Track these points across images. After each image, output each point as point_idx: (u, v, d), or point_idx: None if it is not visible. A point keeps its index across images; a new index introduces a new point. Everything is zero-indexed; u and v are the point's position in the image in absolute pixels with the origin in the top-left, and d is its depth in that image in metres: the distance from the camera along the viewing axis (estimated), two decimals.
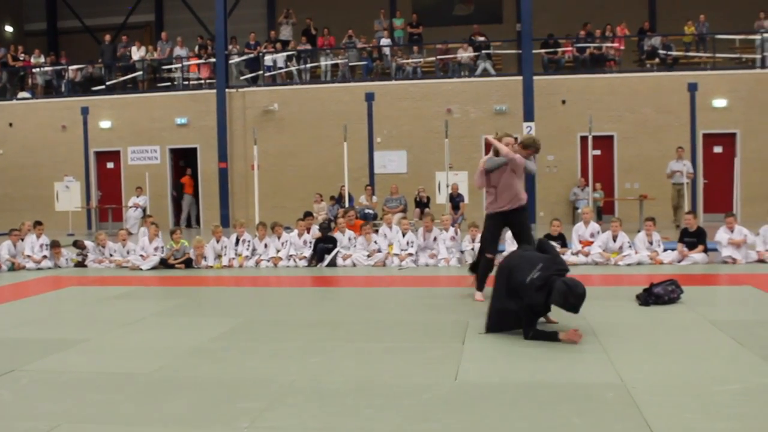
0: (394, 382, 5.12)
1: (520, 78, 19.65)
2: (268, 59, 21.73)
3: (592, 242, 11.90)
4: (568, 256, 11.66)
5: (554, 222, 12.40)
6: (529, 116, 19.30)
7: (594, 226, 12.22)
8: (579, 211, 17.12)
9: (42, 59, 23.79)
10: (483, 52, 20.75)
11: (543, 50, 20.81)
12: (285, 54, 21.79)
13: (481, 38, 21.15)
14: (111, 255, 13.18)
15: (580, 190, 18.62)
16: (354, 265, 12.18)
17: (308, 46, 21.84)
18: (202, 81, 22.04)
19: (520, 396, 4.76)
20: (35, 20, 27.77)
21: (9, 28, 26.72)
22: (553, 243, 11.84)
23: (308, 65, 21.90)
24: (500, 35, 22.15)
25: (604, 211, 18.25)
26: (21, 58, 23.75)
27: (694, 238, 11.59)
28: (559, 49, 20.82)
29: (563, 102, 19.51)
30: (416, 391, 4.87)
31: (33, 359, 6.13)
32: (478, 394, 4.83)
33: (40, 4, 27.54)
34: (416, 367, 5.60)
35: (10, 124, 22.49)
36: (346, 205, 15.59)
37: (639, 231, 12.19)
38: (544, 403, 4.61)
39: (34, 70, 23.53)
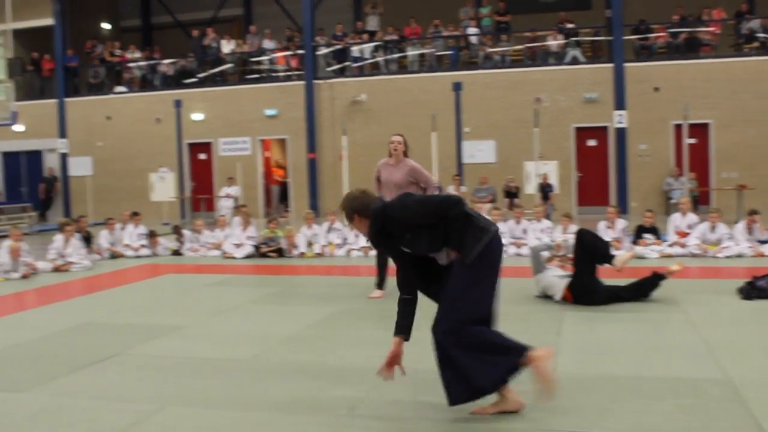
0: None
1: (610, 65, 19.24)
2: (355, 50, 21.84)
3: (689, 233, 11.57)
4: (663, 248, 11.40)
5: (647, 213, 12.13)
6: (620, 104, 18.89)
7: (691, 216, 11.88)
8: (673, 201, 16.71)
9: (137, 54, 24.49)
10: (572, 39, 20.38)
11: (634, 36, 20.31)
12: (372, 44, 21.86)
13: (570, 25, 20.78)
14: (206, 243, 13.54)
15: (674, 180, 18.12)
16: None
17: (395, 37, 21.85)
18: (291, 73, 22.31)
19: (620, 390, 4.67)
20: (130, 17, 28.58)
21: (106, 26, 27.57)
22: (647, 235, 11.64)
23: (395, 55, 21.93)
24: (589, 22, 21.69)
25: (699, 202, 17.71)
26: (117, 54, 24.51)
27: None
28: (651, 35, 20.28)
29: (656, 89, 18.99)
30: (512, 383, 4.82)
31: (135, 344, 6.33)
32: (575, 386, 4.75)
33: (135, 2, 28.33)
34: None
35: (108, 118, 23.27)
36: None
37: (737, 222, 11.80)
38: (644, 397, 4.51)
39: (129, 65, 24.26)
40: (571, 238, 8.35)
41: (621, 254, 7.86)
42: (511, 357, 4.17)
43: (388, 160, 8.21)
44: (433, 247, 4.31)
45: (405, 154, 8.17)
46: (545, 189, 16.81)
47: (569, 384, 4.79)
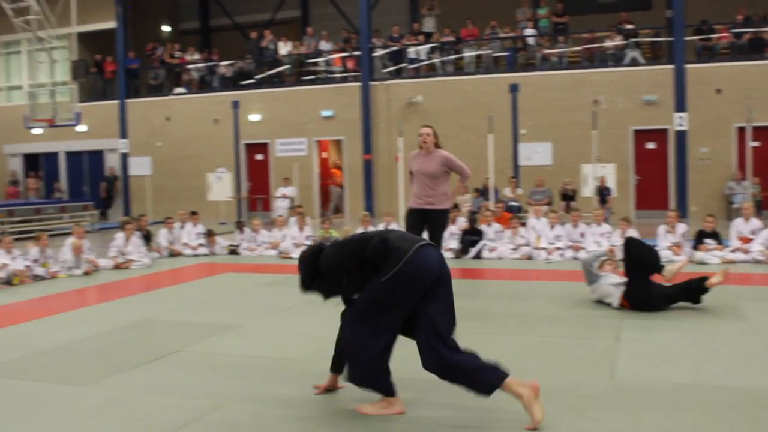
0: (548, 378, 5.02)
1: (671, 67, 18.88)
2: (411, 51, 21.85)
3: (752, 239, 11.29)
4: (725, 253, 11.15)
5: (708, 218, 11.88)
6: (680, 106, 18.54)
7: (755, 222, 11.57)
8: (735, 205, 16.34)
9: (196, 56, 24.86)
10: (631, 40, 20.08)
11: (696, 37, 19.91)
12: (428, 46, 21.84)
13: (630, 26, 20.47)
14: (263, 242, 13.69)
15: (736, 184, 17.72)
16: (500, 258, 12.08)
17: (451, 38, 21.80)
18: (347, 74, 22.41)
19: (682, 398, 4.58)
20: (189, 19, 29.01)
21: (166, 28, 28.04)
22: (708, 240, 11.40)
23: (451, 57, 21.87)
24: (649, 22, 21.35)
25: (762, 206, 17.28)
26: (177, 56, 24.91)
27: None
28: (714, 35, 19.87)
29: (718, 91, 18.58)
30: (570, 387, 4.78)
31: (193, 341, 6.43)
32: (636, 393, 4.68)
33: (194, 4, 28.76)
34: (569, 362, 5.50)
35: (168, 119, 23.67)
36: (491, 197, 15.48)
37: None
38: (707, 407, 4.42)
39: (188, 67, 24.64)
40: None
41: (672, 264, 7.66)
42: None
43: (419, 151, 8.24)
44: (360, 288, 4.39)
45: (436, 145, 8.21)
46: (602, 192, 16.59)
47: (629, 392, 4.72)
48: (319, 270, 4.43)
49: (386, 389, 4.41)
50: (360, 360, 4.31)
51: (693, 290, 7.31)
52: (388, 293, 4.22)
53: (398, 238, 4.33)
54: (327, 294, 4.58)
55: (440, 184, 8.11)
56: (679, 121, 18.48)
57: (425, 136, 8.16)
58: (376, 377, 4.36)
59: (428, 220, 8.12)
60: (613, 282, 7.58)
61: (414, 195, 8.19)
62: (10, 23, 21.35)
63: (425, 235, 8.18)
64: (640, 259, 7.30)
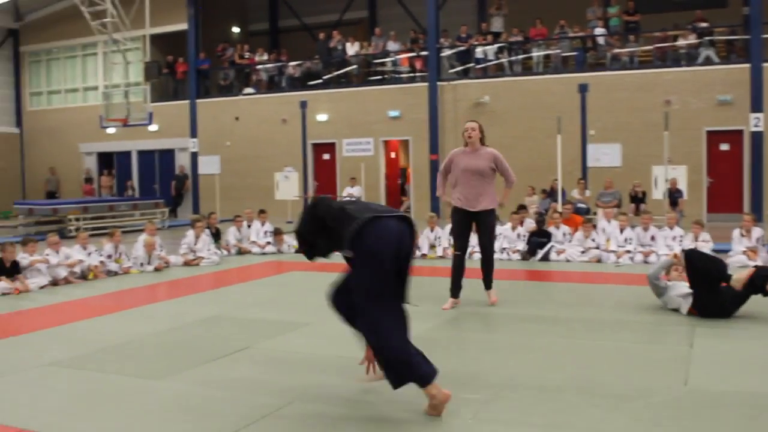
0: (619, 383, 4.95)
1: (747, 66, 18.36)
2: (479, 51, 21.73)
3: None
4: None
5: None
6: (757, 107, 18.02)
7: None
8: None
9: (265, 57, 25.17)
10: (706, 38, 19.60)
11: None
12: (496, 46, 21.70)
13: (704, 24, 19.99)
14: None
15: None
16: (567, 260, 11.92)
17: (520, 38, 21.61)
18: (414, 74, 22.41)
19: (760, 408, 4.44)
20: (259, 21, 29.36)
21: (235, 29, 28.46)
22: None
23: (519, 56, 21.68)
24: (724, 20, 20.81)
25: None
26: (246, 56, 25.26)
27: None
28: None
29: None
30: (644, 394, 4.68)
31: (263, 339, 6.51)
32: (711, 402, 4.57)
33: (263, 6, 29.10)
34: (642, 368, 5.39)
35: (237, 118, 24.03)
36: (559, 199, 15.29)
37: None
38: None
39: (257, 67, 24.96)
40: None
41: (738, 273, 7.39)
42: None
43: (464, 149, 7.91)
44: (333, 249, 4.49)
45: (482, 142, 7.92)
46: (674, 194, 16.22)
47: (704, 399, 4.61)
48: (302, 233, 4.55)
49: (422, 375, 4.30)
50: (392, 345, 4.27)
51: (759, 282, 7.07)
52: (362, 277, 4.28)
53: (359, 208, 4.36)
54: (308, 255, 4.65)
55: (488, 183, 7.78)
56: (755, 122, 17.96)
57: (470, 130, 7.85)
58: (411, 361, 4.29)
59: (476, 220, 7.84)
60: (681, 293, 7.35)
61: (458, 194, 7.80)
62: (87, 26, 21.93)
63: (473, 237, 7.97)
64: (704, 271, 7.10)
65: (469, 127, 7.90)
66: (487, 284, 8.11)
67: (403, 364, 4.26)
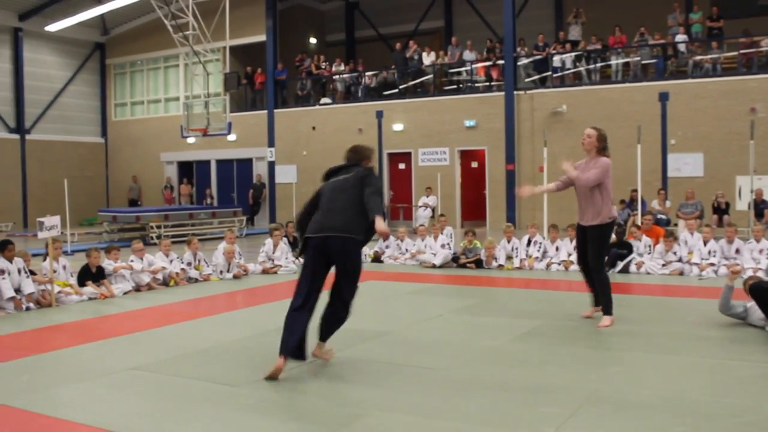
0: (706, 401, 4.81)
1: None
2: (556, 60, 21.50)
3: None
4: None
5: None
6: None
7: None
8: None
9: (341, 67, 25.40)
10: None
11: None
12: (574, 54, 21.43)
13: None
14: (407, 251, 13.78)
15: None
16: (648, 272, 11.66)
17: (598, 46, 21.29)
18: (490, 84, 22.30)
19: None
20: (335, 31, 29.67)
21: (313, 40, 28.83)
22: None
23: (597, 65, 21.37)
24: None
25: None
26: (323, 67, 25.54)
27: None
28: None
29: None
30: (733, 413, 4.54)
31: (343, 347, 6.52)
32: None
33: (340, 17, 29.40)
34: (729, 386, 5.23)
35: (314, 128, 24.31)
36: (639, 209, 14.98)
37: None
38: None
39: (334, 78, 25.21)
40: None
41: None
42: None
43: (586, 158, 7.57)
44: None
45: (600, 152, 7.43)
46: (759, 206, 15.73)
47: None
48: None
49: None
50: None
51: None
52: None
53: (324, 209, 6.03)
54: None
55: (591, 195, 7.37)
56: None
57: (585, 137, 7.44)
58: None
59: (584, 234, 7.53)
60: (762, 316, 7.07)
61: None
62: (169, 39, 22.51)
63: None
64: None
65: (585, 133, 7.52)
66: (596, 301, 7.80)
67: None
